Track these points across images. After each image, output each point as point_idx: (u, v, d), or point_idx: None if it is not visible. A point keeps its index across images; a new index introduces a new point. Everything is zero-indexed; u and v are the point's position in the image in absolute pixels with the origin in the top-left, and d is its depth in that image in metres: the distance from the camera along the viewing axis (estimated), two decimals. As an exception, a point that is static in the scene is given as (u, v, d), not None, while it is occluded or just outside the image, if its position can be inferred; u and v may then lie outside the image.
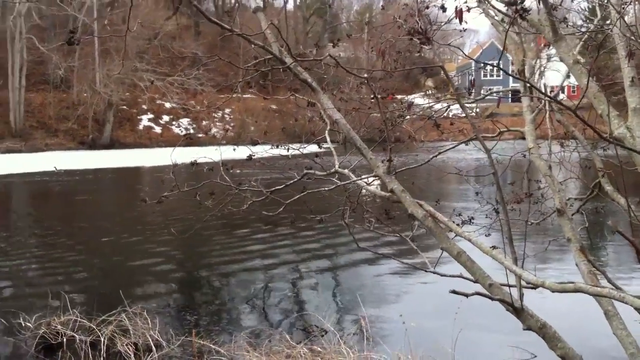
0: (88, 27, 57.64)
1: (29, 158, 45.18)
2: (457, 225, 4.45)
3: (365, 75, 5.02)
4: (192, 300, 10.83)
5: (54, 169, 35.62)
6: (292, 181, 5.29)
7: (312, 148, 5.71)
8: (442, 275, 4.31)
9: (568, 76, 6.02)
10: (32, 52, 59.34)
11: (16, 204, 26.74)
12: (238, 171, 5.40)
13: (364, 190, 5.03)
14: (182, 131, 63.27)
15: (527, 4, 3.53)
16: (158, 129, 65.16)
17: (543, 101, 5.52)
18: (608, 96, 4.12)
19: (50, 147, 55.46)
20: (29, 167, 37.72)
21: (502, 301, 3.96)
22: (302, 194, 5.22)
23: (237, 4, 72.63)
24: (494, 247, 3.92)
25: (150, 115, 66.66)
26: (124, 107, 64.61)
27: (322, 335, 7.80)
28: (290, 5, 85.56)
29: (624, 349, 4.24)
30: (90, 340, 7.70)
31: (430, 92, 77.48)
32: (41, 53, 58.61)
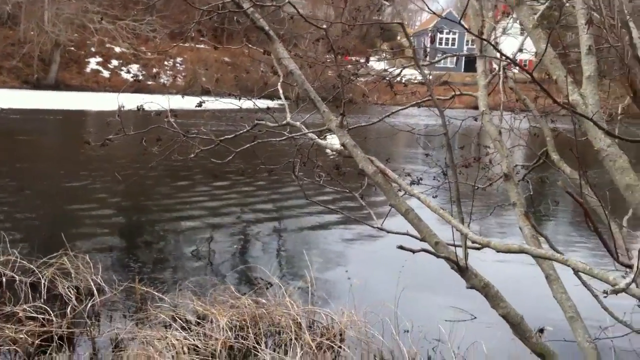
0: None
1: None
2: (407, 184, 4.46)
3: (324, 26, 4.91)
4: (135, 249, 10.68)
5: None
6: (242, 131, 5.20)
7: (265, 103, 5.60)
8: (388, 232, 4.33)
9: (521, 50, 6.07)
10: (-23, -17, 56.61)
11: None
12: (188, 122, 5.27)
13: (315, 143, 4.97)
14: (131, 78, 61.61)
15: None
16: (106, 73, 63.32)
17: (497, 67, 5.55)
18: (564, 65, 4.14)
19: (-8, 85, 53.41)
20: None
21: (447, 259, 4.01)
22: (252, 144, 5.13)
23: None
24: (441, 208, 3.95)
25: (99, 59, 64.63)
26: (72, 48, 62.42)
27: (267, 288, 7.82)
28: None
29: (564, 312, 4.37)
30: (31, 281, 7.52)
31: (385, 55, 77.48)
32: (-14, -15, 55.95)
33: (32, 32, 57.42)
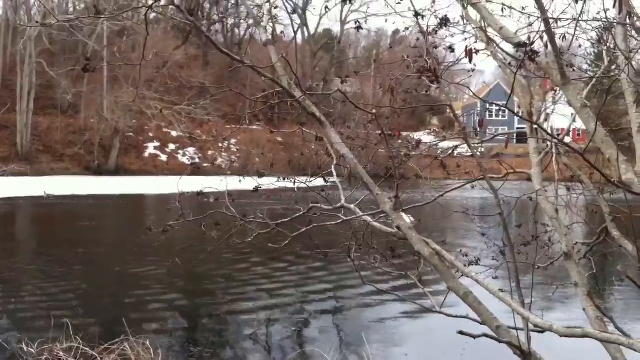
0: (98, 54, 58.27)
1: (34, 181, 45.24)
2: (464, 265, 4.42)
3: (374, 111, 5.04)
4: (195, 332, 10.74)
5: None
6: (298, 214, 5.29)
7: (318, 182, 5.71)
8: (448, 315, 4.28)
9: (574, 120, 6.04)
10: (41, 76, 59.90)
11: (20, 228, 26.79)
12: (244, 201, 5.40)
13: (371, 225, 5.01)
14: (188, 160, 63.45)
15: (535, 47, 3.57)
16: (164, 157, 65.42)
17: (550, 144, 5.53)
18: (615, 142, 4.12)
19: (56, 172, 55.60)
20: (35, 191, 37.75)
21: (509, 344, 3.92)
22: (307, 228, 5.21)
23: (249, 37, 73.40)
24: (501, 290, 3.89)
25: (157, 143, 66.98)
26: (131, 134, 64.97)
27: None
28: (298, 39, 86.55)
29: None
30: (92, 369, 7.62)
31: (436, 130, 77.86)
32: (50, 77, 59.16)
33: (92, 120, 60.13)
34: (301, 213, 5.30)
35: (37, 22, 45.48)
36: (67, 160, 59.06)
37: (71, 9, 66.09)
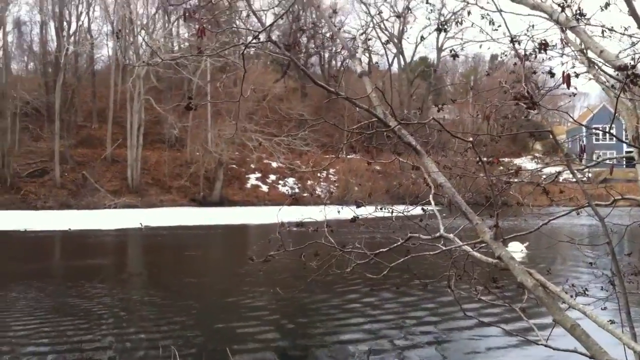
0: (202, 89, 60.82)
1: (144, 213, 47.55)
2: (570, 296, 4.25)
3: (471, 139, 4.99)
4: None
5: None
6: (396, 244, 5.28)
7: (417, 211, 5.69)
8: (554, 349, 4.12)
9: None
10: (149, 112, 63.14)
11: (131, 257, 28.17)
12: (343, 230, 5.46)
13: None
14: (287, 190, 64.67)
15: (638, 69, 3.43)
16: (265, 188, 66.95)
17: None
18: None
19: (164, 203, 58.08)
20: (144, 222, 39.73)
21: (619, 380, 3.72)
22: (406, 258, 5.18)
23: (343, 69, 74.45)
24: (611, 322, 3.71)
25: (258, 174, 68.73)
26: (234, 165, 67.05)
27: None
28: (394, 68, 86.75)
29: None
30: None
31: (538, 156, 75.38)
32: (158, 113, 62.26)
33: (197, 153, 62.53)
34: (399, 243, 5.28)
35: (144, 61, 48.15)
36: (175, 192, 61.52)
37: (176, 48, 69.50)
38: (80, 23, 66.70)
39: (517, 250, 21.37)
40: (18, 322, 13.40)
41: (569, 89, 3.66)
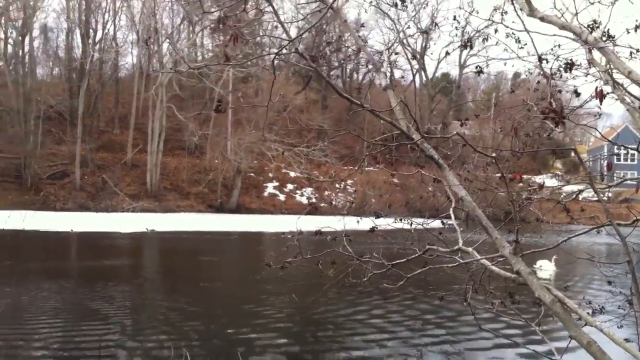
0: (223, 99, 61.21)
1: (161, 217, 47.84)
2: (587, 313, 4.27)
3: (493, 154, 5.02)
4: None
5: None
6: (414, 256, 5.31)
7: (435, 224, 5.72)
8: (569, 365, 4.12)
9: None
10: (171, 119, 63.55)
11: (148, 261, 28.34)
12: (361, 240, 5.50)
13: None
14: (305, 200, 64.76)
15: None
16: (282, 197, 67.08)
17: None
18: None
19: (182, 209, 58.36)
20: (162, 226, 39.98)
21: (635, 398, 3.72)
22: (423, 269, 5.22)
23: (369, 81, 74.57)
24: (627, 340, 3.73)
25: (276, 183, 68.90)
26: (252, 174, 67.29)
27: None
28: (416, 83, 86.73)
29: None
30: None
31: (559, 173, 74.77)
32: (179, 121, 62.66)
33: (216, 161, 62.85)
34: (417, 254, 5.32)
35: (170, 68, 48.58)
36: (192, 198, 61.80)
37: (200, 58, 70.12)
38: (105, 31, 67.54)
39: (548, 269, 21.13)
40: (35, 321, 13.59)
41: (601, 104, 3.69)
